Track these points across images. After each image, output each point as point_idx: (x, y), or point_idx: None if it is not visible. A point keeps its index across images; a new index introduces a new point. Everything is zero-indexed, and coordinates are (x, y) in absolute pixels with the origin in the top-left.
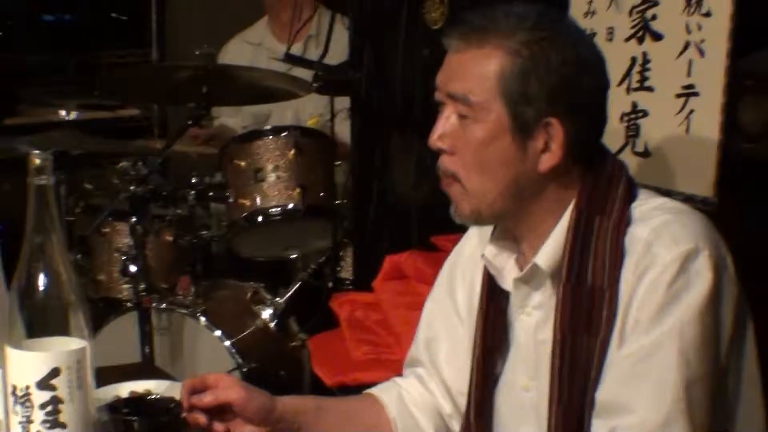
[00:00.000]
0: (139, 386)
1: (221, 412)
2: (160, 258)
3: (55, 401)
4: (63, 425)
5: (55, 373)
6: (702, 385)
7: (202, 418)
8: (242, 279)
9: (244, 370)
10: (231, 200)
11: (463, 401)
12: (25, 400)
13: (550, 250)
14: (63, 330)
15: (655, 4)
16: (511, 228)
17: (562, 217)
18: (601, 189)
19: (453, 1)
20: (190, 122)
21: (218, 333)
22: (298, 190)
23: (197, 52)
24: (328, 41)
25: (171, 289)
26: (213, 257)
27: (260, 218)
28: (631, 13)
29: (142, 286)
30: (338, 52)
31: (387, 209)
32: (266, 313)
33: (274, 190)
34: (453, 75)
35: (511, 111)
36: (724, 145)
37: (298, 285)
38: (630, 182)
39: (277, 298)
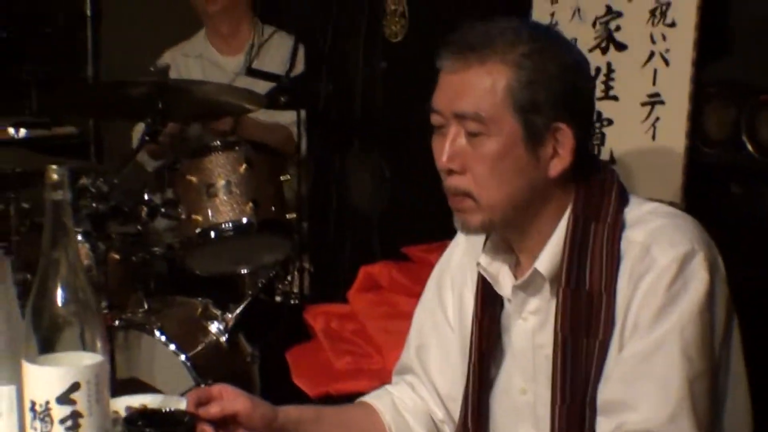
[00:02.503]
0: (134, 401)
1: (225, 422)
2: (111, 276)
3: (75, 416)
4: None
5: (75, 387)
6: (703, 381)
7: (209, 430)
8: (193, 295)
9: (202, 386)
10: (183, 216)
11: (453, 407)
12: (44, 415)
13: (549, 256)
14: (79, 345)
15: (619, 15)
16: (512, 237)
17: (558, 224)
18: (595, 195)
19: (414, 16)
20: (147, 138)
21: (173, 348)
22: (250, 204)
23: (152, 68)
24: (294, 57)
25: (122, 307)
26: (164, 274)
27: (213, 234)
28: (594, 24)
29: (105, 304)
30: (278, 64)
31: (347, 221)
32: (216, 329)
33: (227, 206)
34: (458, 94)
35: (523, 121)
36: (690, 151)
37: (248, 300)
38: (621, 188)
39: (227, 314)
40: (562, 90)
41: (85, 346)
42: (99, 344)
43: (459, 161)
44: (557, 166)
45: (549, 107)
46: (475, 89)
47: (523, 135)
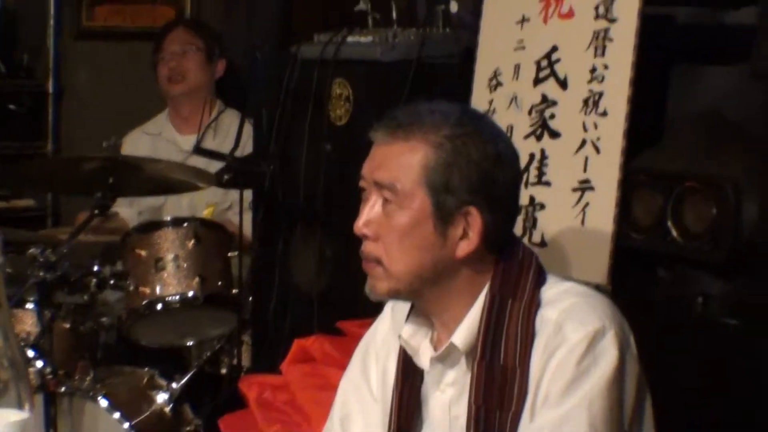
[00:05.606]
0: None
1: None
2: (58, 344)
3: None
4: None
5: None
6: None
7: None
8: (139, 365)
9: None
10: (131, 288)
11: None
12: None
13: (465, 330)
14: (7, 403)
15: (554, 104)
16: (426, 308)
17: (476, 299)
18: (512, 274)
19: (358, 101)
20: (96, 212)
21: (117, 416)
22: (197, 279)
23: (105, 144)
24: (239, 136)
25: (69, 375)
26: (110, 344)
27: (160, 306)
28: (530, 112)
29: (49, 370)
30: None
31: (288, 297)
32: (162, 398)
33: (174, 279)
34: (380, 165)
35: (434, 199)
36: (617, 236)
37: (193, 372)
38: (539, 268)
39: (173, 384)
40: (479, 177)
41: (10, 403)
42: (26, 403)
43: (373, 228)
44: (464, 247)
45: (462, 191)
46: (395, 162)
47: (432, 213)
